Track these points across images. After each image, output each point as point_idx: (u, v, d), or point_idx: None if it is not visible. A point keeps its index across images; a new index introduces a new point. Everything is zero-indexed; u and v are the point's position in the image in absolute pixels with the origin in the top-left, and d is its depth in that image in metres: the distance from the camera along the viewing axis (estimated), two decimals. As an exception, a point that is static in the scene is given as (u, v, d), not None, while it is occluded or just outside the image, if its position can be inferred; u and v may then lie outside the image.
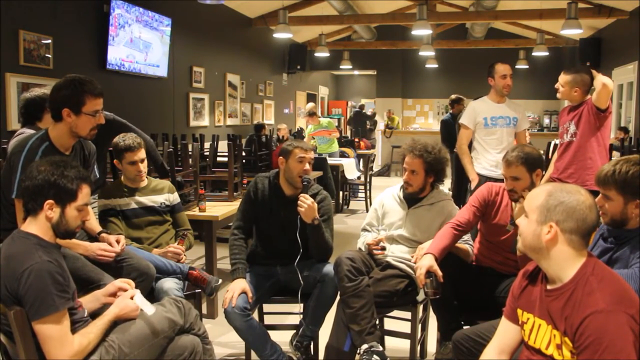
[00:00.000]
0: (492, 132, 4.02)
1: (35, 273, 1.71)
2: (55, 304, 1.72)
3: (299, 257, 2.75)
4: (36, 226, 1.85)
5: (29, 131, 2.85)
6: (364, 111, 13.83)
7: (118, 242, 2.55)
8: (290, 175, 2.76)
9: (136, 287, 2.11)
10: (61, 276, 1.77)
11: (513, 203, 2.60)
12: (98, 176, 2.78)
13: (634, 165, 1.90)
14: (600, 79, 3.28)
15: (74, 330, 1.84)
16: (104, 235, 2.58)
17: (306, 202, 2.65)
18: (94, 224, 2.64)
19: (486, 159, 4.02)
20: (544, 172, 2.58)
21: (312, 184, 2.81)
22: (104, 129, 3.27)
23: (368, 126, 13.51)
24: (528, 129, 4.11)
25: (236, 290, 2.61)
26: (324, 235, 2.73)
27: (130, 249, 2.65)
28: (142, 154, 3.01)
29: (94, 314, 2.04)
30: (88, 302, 2.07)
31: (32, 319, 1.71)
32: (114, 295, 2.09)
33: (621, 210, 1.91)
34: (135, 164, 2.98)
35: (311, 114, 8.20)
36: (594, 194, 1.74)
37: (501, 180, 2.70)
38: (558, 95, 3.59)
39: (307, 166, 2.76)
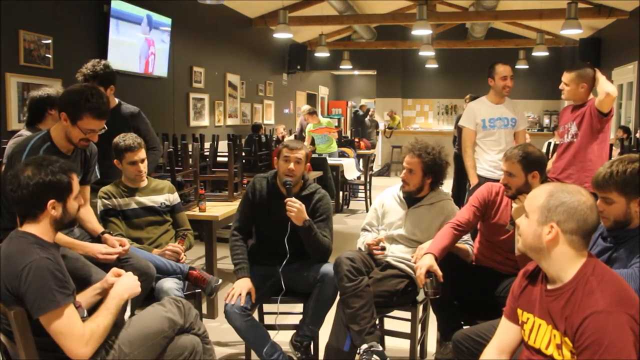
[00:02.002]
0: (490, 134, 4.01)
1: (35, 270, 1.71)
2: (56, 299, 1.72)
3: (284, 262, 2.75)
4: (35, 228, 1.84)
5: (27, 133, 2.85)
6: (363, 112, 13.84)
7: (122, 245, 2.55)
8: (280, 175, 2.77)
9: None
10: (60, 272, 1.77)
11: (513, 202, 2.59)
12: (99, 177, 2.78)
13: (630, 163, 1.89)
14: (603, 86, 3.23)
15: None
16: (106, 236, 2.58)
17: (295, 205, 2.65)
18: (95, 224, 2.64)
19: (485, 160, 4.01)
20: (543, 175, 2.55)
21: (305, 184, 2.80)
22: (124, 122, 3.32)
23: (368, 126, 13.49)
24: (528, 129, 4.11)
25: (243, 288, 2.62)
26: (318, 236, 2.71)
27: (131, 249, 2.66)
28: (142, 154, 3.01)
29: (95, 308, 2.05)
30: (88, 295, 2.07)
31: (36, 315, 1.71)
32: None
33: (624, 211, 1.90)
34: (135, 163, 2.98)
35: (311, 113, 8.20)
36: (593, 195, 1.74)
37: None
38: (563, 96, 3.56)
39: (292, 165, 2.74)
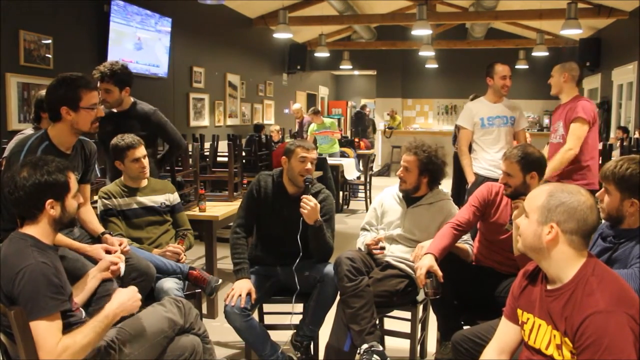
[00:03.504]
0: (489, 132, 4.01)
1: (29, 274, 1.70)
2: (46, 306, 1.69)
3: (298, 259, 2.75)
4: (35, 229, 1.84)
5: (30, 132, 2.87)
6: (364, 111, 13.85)
7: (121, 244, 2.54)
8: (292, 175, 2.77)
9: (136, 287, 2.11)
10: (56, 277, 1.75)
11: (512, 202, 2.60)
12: (99, 175, 2.78)
13: (635, 164, 1.93)
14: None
15: (70, 332, 1.84)
16: (106, 236, 2.58)
17: (309, 203, 2.64)
18: (95, 225, 2.64)
19: (484, 159, 4.02)
20: (541, 175, 2.57)
21: (315, 183, 2.81)
22: (143, 121, 3.34)
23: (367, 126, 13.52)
24: (528, 129, 4.13)
25: (243, 289, 2.61)
26: (325, 236, 2.73)
27: (131, 249, 2.65)
28: (143, 150, 3.02)
29: (93, 298, 2.07)
30: (86, 282, 2.08)
31: (28, 320, 1.69)
32: (107, 269, 2.15)
33: (617, 206, 1.94)
34: (138, 160, 2.99)
35: (315, 112, 8.21)
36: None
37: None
38: (552, 92, 3.69)
39: (309, 166, 2.76)
